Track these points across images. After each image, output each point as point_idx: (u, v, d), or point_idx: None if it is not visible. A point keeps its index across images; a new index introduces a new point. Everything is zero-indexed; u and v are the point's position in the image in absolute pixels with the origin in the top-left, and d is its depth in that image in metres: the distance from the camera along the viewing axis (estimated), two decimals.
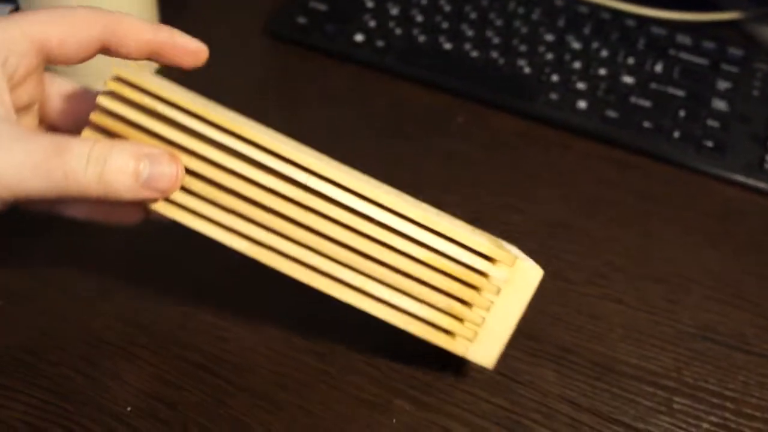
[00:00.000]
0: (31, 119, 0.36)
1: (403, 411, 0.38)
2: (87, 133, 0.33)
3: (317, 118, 0.55)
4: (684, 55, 0.60)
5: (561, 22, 0.62)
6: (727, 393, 0.40)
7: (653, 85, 0.57)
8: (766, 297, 0.45)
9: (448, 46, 0.59)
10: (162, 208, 0.33)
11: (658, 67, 0.59)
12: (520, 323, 0.36)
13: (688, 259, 0.47)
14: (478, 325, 0.35)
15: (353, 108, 0.57)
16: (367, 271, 0.34)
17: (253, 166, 0.33)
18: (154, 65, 0.58)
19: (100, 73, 0.37)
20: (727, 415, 0.39)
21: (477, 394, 0.39)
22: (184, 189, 0.33)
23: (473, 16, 0.62)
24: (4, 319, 0.39)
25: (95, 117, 0.33)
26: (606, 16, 0.63)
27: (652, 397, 0.39)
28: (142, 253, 0.43)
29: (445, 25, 0.61)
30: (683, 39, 0.61)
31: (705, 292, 0.45)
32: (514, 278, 0.35)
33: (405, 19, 0.61)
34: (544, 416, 0.38)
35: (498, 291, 0.35)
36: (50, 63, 0.34)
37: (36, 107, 0.36)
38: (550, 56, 0.59)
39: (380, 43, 0.59)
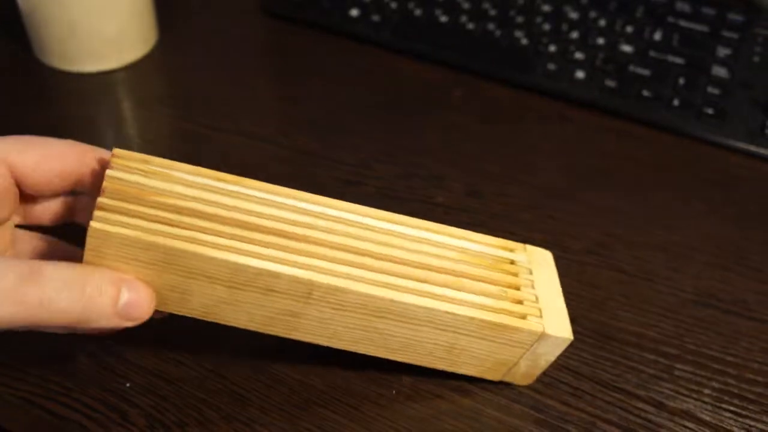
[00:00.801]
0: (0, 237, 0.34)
1: (402, 382, 0.37)
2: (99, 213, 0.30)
3: (314, 94, 0.55)
4: (683, 22, 0.59)
5: None
6: (729, 359, 0.40)
7: (652, 54, 0.57)
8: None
9: (444, 19, 0.59)
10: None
11: (657, 35, 0.58)
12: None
13: (688, 226, 0.47)
14: (536, 302, 0.35)
15: (349, 83, 0.56)
16: (423, 278, 0.34)
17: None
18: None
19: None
20: (729, 380, 0.39)
21: None
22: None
23: None
24: None
25: (108, 183, 0.31)
26: None
27: (654, 365, 0.39)
28: None
29: None
30: (682, 6, 0.61)
31: (706, 259, 0.45)
32: (534, 259, 0.37)
33: None
34: (545, 385, 0.38)
35: (530, 271, 0.36)
36: (22, 189, 0.34)
37: (8, 224, 0.35)
38: (547, 27, 0.58)
39: (376, 18, 0.59)
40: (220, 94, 0.55)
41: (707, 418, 0.37)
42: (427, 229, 0.36)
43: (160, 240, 0.29)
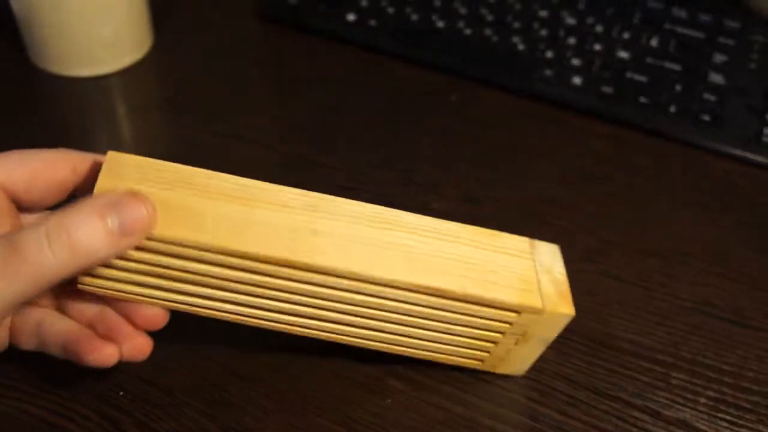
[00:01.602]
0: None
1: (397, 391, 0.37)
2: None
3: (311, 99, 0.55)
4: (680, 29, 0.59)
5: None
6: (725, 367, 0.40)
7: (649, 60, 0.57)
8: (764, 270, 0.45)
9: (441, 24, 0.59)
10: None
11: (654, 42, 0.58)
12: None
13: (684, 233, 0.47)
14: (505, 354, 0.36)
15: (346, 89, 0.56)
16: (388, 328, 0.35)
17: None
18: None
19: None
20: (724, 389, 0.39)
21: (472, 372, 0.38)
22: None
23: None
24: None
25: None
26: None
27: (650, 373, 0.39)
28: None
29: (437, 2, 0.60)
30: (679, 12, 0.61)
31: (702, 266, 0.45)
32: (543, 319, 0.34)
33: None
34: (540, 394, 0.38)
35: (525, 332, 0.35)
36: (20, 206, 0.34)
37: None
38: (544, 32, 0.58)
39: (373, 23, 0.59)
40: (215, 98, 0.54)
41: (703, 428, 0.37)
42: (437, 292, 0.33)
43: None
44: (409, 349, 0.36)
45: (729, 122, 0.53)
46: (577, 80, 0.55)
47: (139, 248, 0.31)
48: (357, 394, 0.37)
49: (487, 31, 0.58)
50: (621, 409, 0.37)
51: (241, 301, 0.33)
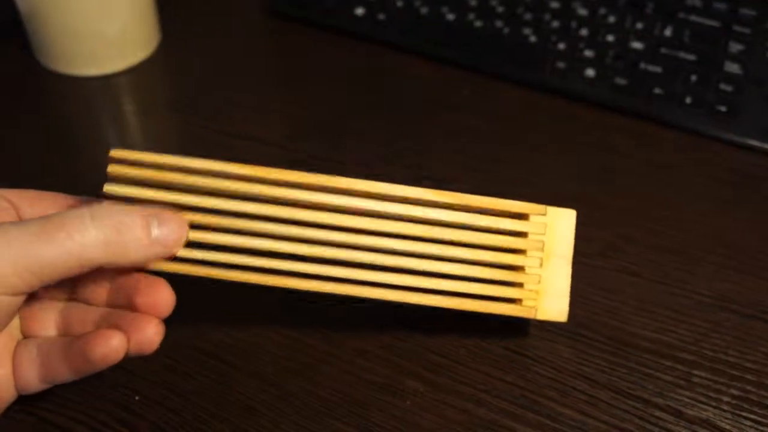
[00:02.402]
0: None
1: (416, 392, 0.37)
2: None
3: (318, 94, 0.54)
4: (694, 18, 0.58)
5: None
6: (748, 365, 0.39)
7: (663, 50, 0.56)
8: None
9: (450, 17, 0.58)
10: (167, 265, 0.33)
11: (668, 31, 0.57)
12: None
13: (703, 228, 0.46)
14: (537, 284, 0.36)
15: (356, 83, 0.55)
16: (412, 267, 0.35)
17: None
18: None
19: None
20: (748, 387, 0.38)
21: (491, 372, 0.38)
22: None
23: None
24: None
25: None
26: None
27: (671, 371, 0.38)
28: None
29: None
30: (693, 1, 0.60)
31: (721, 261, 0.44)
32: (552, 226, 0.37)
33: None
34: (560, 393, 0.37)
35: (542, 245, 0.36)
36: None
37: None
38: (556, 24, 0.57)
39: (381, 17, 0.58)
40: (223, 96, 0.54)
41: (727, 427, 0.36)
42: (438, 203, 0.35)
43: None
44: (438, 297, 0.35)
45: (746, 112, 0.52)
46: (590, 72, 0.54)
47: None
48: (375, 395, 0.37)
49: (498, 24, 0.57)
50: (642, 408, 0.37)
51: (263, 246, 0.33)
